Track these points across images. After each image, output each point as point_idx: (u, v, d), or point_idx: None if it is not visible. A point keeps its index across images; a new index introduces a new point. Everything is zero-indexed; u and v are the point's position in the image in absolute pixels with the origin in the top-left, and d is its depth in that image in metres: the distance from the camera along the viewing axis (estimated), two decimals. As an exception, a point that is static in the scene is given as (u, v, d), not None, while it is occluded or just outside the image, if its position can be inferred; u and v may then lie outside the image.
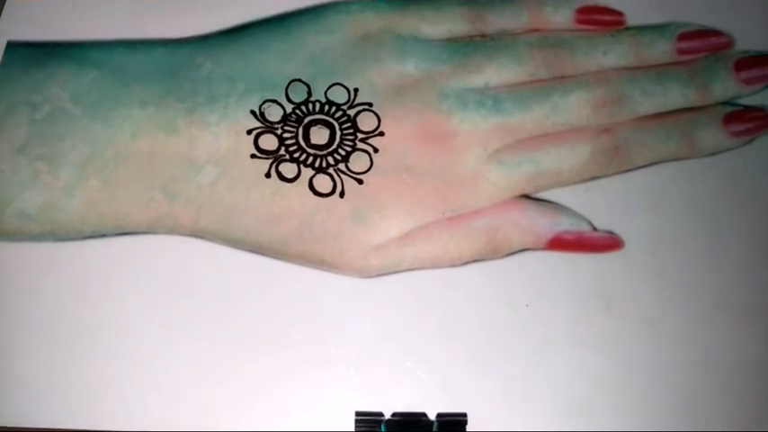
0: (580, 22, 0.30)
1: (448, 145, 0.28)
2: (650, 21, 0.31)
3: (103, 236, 0.27)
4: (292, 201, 0.27)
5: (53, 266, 0.27)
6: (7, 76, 0.28)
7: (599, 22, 0.31)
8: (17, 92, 0.28)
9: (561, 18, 0.30)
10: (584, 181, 0.29)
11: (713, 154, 0.29)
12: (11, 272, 0.27)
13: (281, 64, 0.29)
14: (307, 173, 0.28)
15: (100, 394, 0.25)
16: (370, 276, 0.27)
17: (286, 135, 0.28)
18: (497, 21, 0.30)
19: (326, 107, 0.29)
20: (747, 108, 0.29)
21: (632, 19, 0.31)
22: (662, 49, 0.30)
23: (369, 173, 0.28)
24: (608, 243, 0.28)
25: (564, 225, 0.28)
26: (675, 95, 0.29)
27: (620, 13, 0.31)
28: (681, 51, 0.30)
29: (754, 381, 0.27)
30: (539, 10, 0.30)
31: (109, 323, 0.26)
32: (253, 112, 0.28)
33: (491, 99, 0.29)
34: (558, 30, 0.31)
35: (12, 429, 0.25)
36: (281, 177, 0.27)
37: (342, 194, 0.27)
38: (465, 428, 0.25)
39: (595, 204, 0.28)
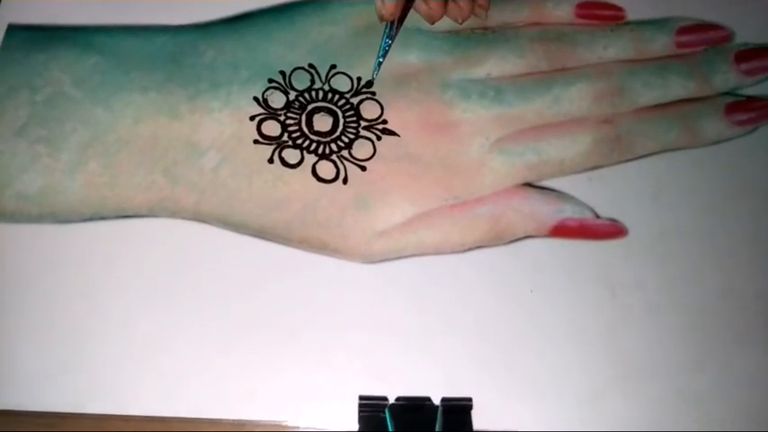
0: (580, 16, 0.31)
1: (450, 134, 0.28)
2: (650, 16, 0.31)
3: (104, 218, 0.27)
4: (295, 186, 0.27)
5: (52, 248, 0.26)
6: (8, 58, 0.28)
7: (599, 16, 0.31)
8: (18, 74, 0.28)
9: (562, 13, 0.31)
10: (587, 170, 0.29)
11: (715, 143, 0.29)
12: (10, 253, 0.26)
13: (284, 53, 0.29)
14: (310, 159, 0.27)
15: (99, 378, 0.25)
16: (373, 262, 0.27)
17: (289, 121, 0.28)
18: (498, 15, 0.31)
19: (330, 95, 0.29)
20: (750, 98, 0.30)
21: (632, 14, 0.31)
22: (662, 43, 0.30)
23: (372, 160, 0.28)
24: (611, 230, 0.28)
25: (567, 212, 0.28)
26: (676, 87, 0.29)
27: (619, 8, 0.31)
28: (680, 45, 0.30)
29: (759, 371, 0.27)
30: (539, 5, 0.31)
31: (108, 306, 0.26)
32: (256, 99, 0.28)
33: (493, 90, 0.29)
34: (558, 24, 0.31)
35: (10, 413, 0.24)
36: (284, 163, 0.27)
37: (345, 181, 0.27)
38: (470, 413, 0.25)
39: (598, 193, 0.29)
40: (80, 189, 0.26)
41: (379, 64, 0.28)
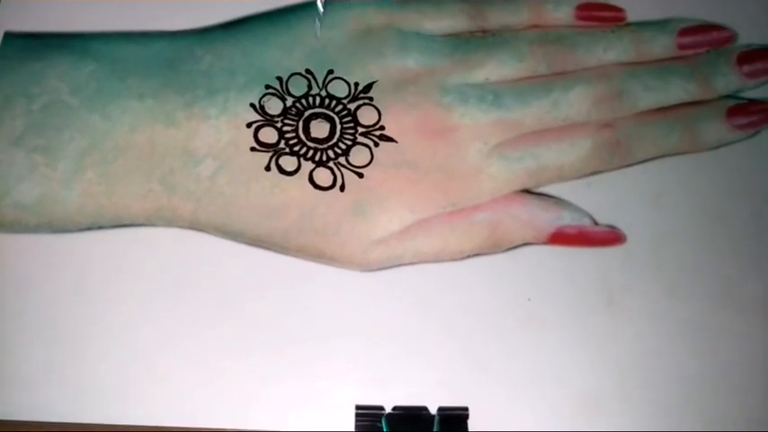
0: (580, 18, 0.30)
1: (449, 139, 0.28)
2: (651, 17, 0.31)
3: (101, 228, 0.27)
4: (292, 194, 0.27)
5: (50, 258, 0.27)
6: (4, 67, 0.28)
7: (599, 18, 0.30)
8: (14, 83, 0.27)
9: (561, 14, 0.30)
10: (586, 175, 0.28)
11: (716, 147, 0.29)
12: (7, 263, 0.26)
13: (281, 58, 0.29)
14: (307, 166, 0.27)
15: (97, 388, 0.25)
16: (370, 270, 0.27)
17: (286, 128, 0.28)
18: (498, 17, 0.30)
19: (327, 101, 0.28)
20: (751, 101, 0.29)
21: (633, 15, 0.31)
22: (663, 45, 0.30)
23: (369, 167, 0.27)
24: (609, 237, 0.28)
25: (565, 219, 0.27)
26: (677, 90, 0.29)
27: (620, 9, 0.31)
28: (682, 46, 0.30)
29: (758, 375, 0.27)
30: (539, 7, 0.30)
31: (106, 316, 0.26)
32: (253, 106, 0.28)
33: (492, 94, 0.28)
34: (558, 26, 0.30)
35: (8, 423, 0.24)
36: (281, 170, 0.27)
37: (342, 188, 0.27)
38: (466, 422, 0.25)
39: (597, 199, 0.28)
40: (77, 198, 0.26)
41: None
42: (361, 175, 0.27)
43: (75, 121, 0.27)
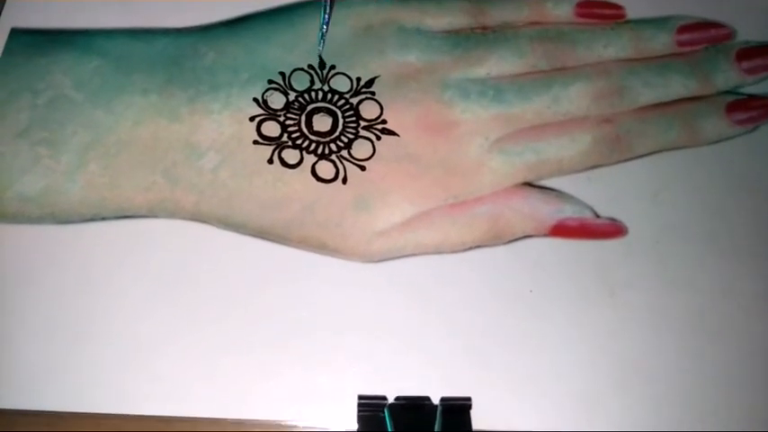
0: (580, 15, 0.31)
1: (450, 134, 0.28)
2: (650, 14, 0.31)
3: (104, 219, 0.27)
4: (295, 186, 0.27)
5: (53, 249, 0.27)
6: (10, 62, 0.28)
7: (599, 15, 0.31)
8: (20, 78, 0.28)
9: (562, 12, 0.31)
10: (586, 169, 0.29)
11: (715, 142, 0.29)
12: (10, 253, 0.27)
13: (283, 54, 0.29)
14: (309, 159, 0.28)
15: (99, 378, 0.25)
16: (372, 262, 0.27)
17: (288, 122, 0.28)
18: (498, 14, 0.31)
19: (329, 95, 0.29)
20: (751, 96, 0.30)
21: (632, 12, 0.31)
22: (662, 42, 0.30)
23: (371, 160, 0.28)
24: (611, 230, 0.28)
25: (567, 212, 0.27)
26: (677, 86, 0.29)
27: (620, 7, 0.31)
28: (681, 44, 0.30)
29: (759, 372, 0.26)
30: (539, 4, 0.31)
31: (109, 306, 0.26)
32: (255, 100, 0.28)
33: (492, 89, 0.29)
34: (558, 23, 0.31)
35: (11, 412, 0.24)
36: (284, 163, 0.27)
37: (344, 181, 0.27)
38: (469, 413, 0.25)
39: (598, 192, 0.29)
40: (80, 190, 0.27)
41: (323, 36, 0.29)
42: (363, 168, 0.27)
43: (78, 116, 0.27)
